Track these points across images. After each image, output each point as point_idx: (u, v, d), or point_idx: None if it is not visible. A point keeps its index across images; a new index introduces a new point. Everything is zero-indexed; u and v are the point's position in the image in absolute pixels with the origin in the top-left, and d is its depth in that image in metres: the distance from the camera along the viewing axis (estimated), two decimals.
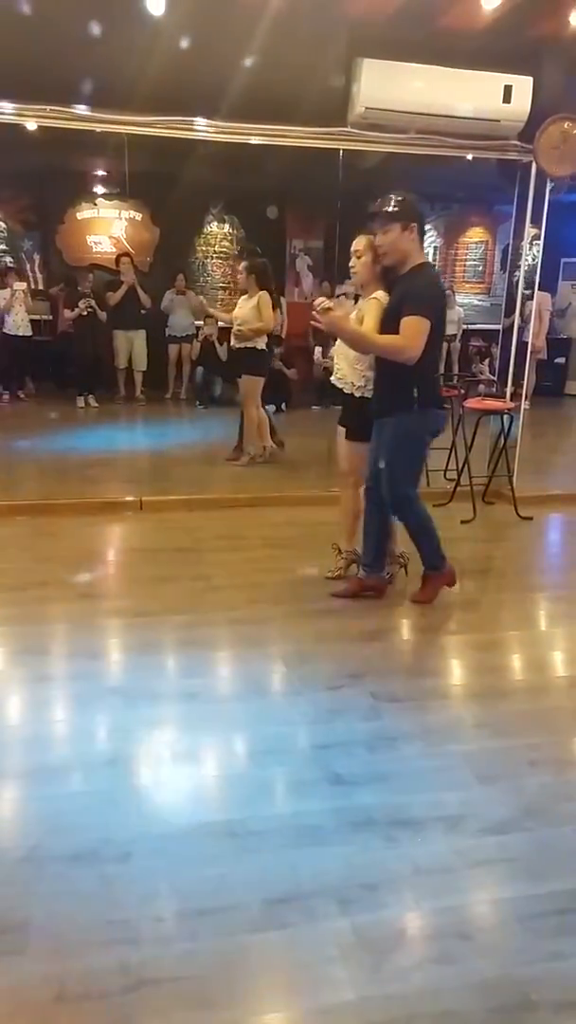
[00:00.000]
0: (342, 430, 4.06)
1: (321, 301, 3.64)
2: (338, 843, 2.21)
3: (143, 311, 9.49)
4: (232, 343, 6.60)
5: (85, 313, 9.11)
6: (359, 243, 3.76)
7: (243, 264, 6.45)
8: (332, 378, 3.99)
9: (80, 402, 9.31)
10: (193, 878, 2.07)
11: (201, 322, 9.97)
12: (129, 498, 5.49)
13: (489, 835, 2.27)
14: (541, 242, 5.76)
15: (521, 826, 2.31)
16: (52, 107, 4.74)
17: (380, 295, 3.67)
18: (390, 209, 3.53)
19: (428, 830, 2.27)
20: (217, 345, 9.78)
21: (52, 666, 3.28)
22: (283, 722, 2.85)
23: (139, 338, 9.56)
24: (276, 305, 6.48)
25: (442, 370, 10.50)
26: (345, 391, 3.89)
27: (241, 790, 2.46)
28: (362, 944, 1.88)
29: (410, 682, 3.17)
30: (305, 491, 5.84)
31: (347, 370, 3.86)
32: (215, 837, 2.22)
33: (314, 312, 3.61)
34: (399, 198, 3.57)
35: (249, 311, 6.21)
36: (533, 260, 5.81)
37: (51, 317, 10.22)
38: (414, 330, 3.44)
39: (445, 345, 11.00)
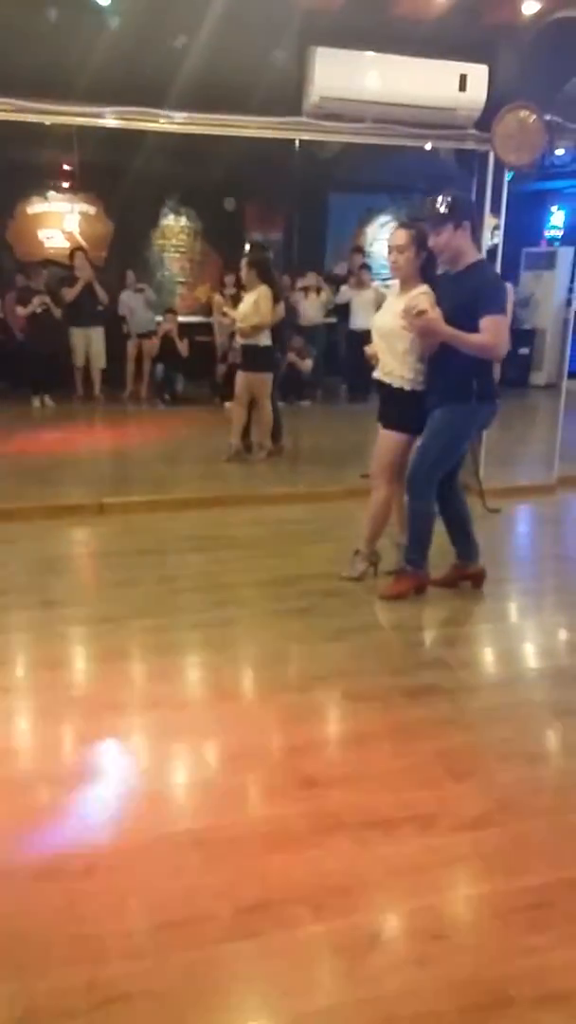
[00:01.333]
0: (384, 430, 3.94)
1: (415, 305, 3.58)
2: (309, 847, 2.18)
3: (100, 307, 9.34)
4: (237, 340, 6.58)
5: (39, 311, 8.91)
6: (400, 238, 3.73)
7: (244, 258, 6.38)
8: (376, 374, 3.92)
9: (35, 402, 9.10)
10: (161, 890, 2.02)
11: (160, 317, 9.84)
12: (89, 501, 5.38)
13: (461, 832, 2.25)
14: (501, 232, 5.76)
15: (494, 821, 2.30)
16: None
17: (426, 289, 3.66)
18: (441, 210, 3.58)
19: (400, 830, 2.24)
20: (177, 341, 9.67)
21: (12, 676, 3.20)
22: (251, 726, 2.81)
23: (97, 335, 9.39)
24: (279, 299, 6.36)
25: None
26: (394, 385, 3.82)
27: (209, 797, 2.41)
28: (335, 949, 1.85)
29: (379, 681, 3.15)
30: (271, 489, 5.80)
31: (394, 364, 3.80)
32: (183, 847, 2.17)
33: (403, 316, 3.60)
34: (448, 198, 3.61)
35: (249, 306, 6.14)
36: (494, 250, 5.82)
37: (2, 315, 9.98)
38: (501, 328, 3.57)
39: None
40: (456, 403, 3.68)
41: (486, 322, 3.51)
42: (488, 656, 3.51)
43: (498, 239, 5.79)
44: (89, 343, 9.37)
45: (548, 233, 12.62)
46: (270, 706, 2.94)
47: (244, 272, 6.29)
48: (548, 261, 11.68)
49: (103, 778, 2.52)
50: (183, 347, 9.69)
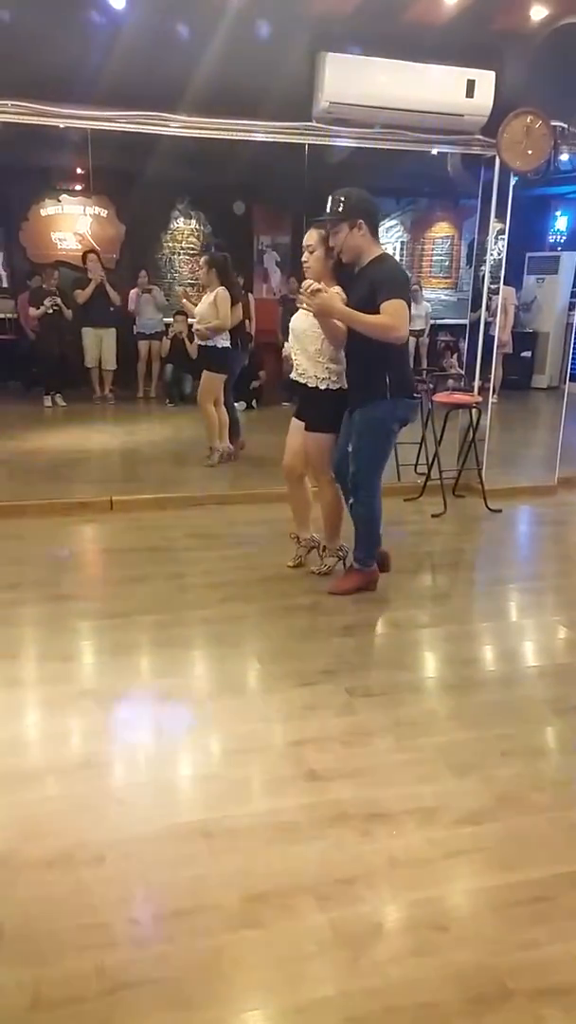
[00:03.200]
0: (299, 423, 4.03)
1: (309, 283, 3.62)
2: (313, 839, 2.22)
3: (112, 308, 9.40)
4: (195, 340, 6.54)
5: (50, 311, 8.99)
6: (310, 237, 3.77)
7: (204, 258, 6.35)
8: (292, 375, 3.99)
9: (47, 401, 9.20)
10: (168, 879, 2.06)
11: (171, 319, 9.90)
12: (99, 498, 5.44)
13: (463, 826, 2.28)
14: (506, 237, 5.80)
15: (495, 816, 2.33)
16: (14, 102, 4.67)
17: (337, 290, 3.67)
18: (336, 209, 3.58)
19: (403, 823, 2.28)
20: (187, 342, 9.72)
21: (23, 670, 3.24)
22: (257, 720, 2.85)
23: (108, 336, 9.45)
24: (238, 300, 6.32)
25: (411, 364, 10.56)
26: (309, 385, 3.88)
27: (215, 789, 2.45)
28: (339, 939, 1.88)
29: (383, 676, 3.19)
30: (277, 488, 5.82)
31: (307, 364, 3.86)
32: (190, 837, 2.21)
33: (302, 295, 3.61)
34: (341, 197, 3.60)
35: (207, 307, 6.11)
36: (498, 255, 5.85)
37: (15, 315, 10.07)
38: (398, 310, 3.49)
39: (413, 340, 11.06)
40: (372, 400, 3.70)
41: (385, 305, 3.49)
42: (490, 653, 3.54)
43: (503, 243, 5.82)
44: (101, 344, 9.44)
45: (552, 238, 12.64)
46: (276, 700, 2.98)
47: (203, 272, 6.23)
48: (551, 265, 11.71)
49: (112, 769, 2.57)
50: (192, 349, 9.73)
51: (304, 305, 3.62)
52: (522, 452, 7.48)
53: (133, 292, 9.86)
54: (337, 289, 3.66)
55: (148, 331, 9.97)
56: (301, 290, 3.63)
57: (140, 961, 1.81)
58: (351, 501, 3.91)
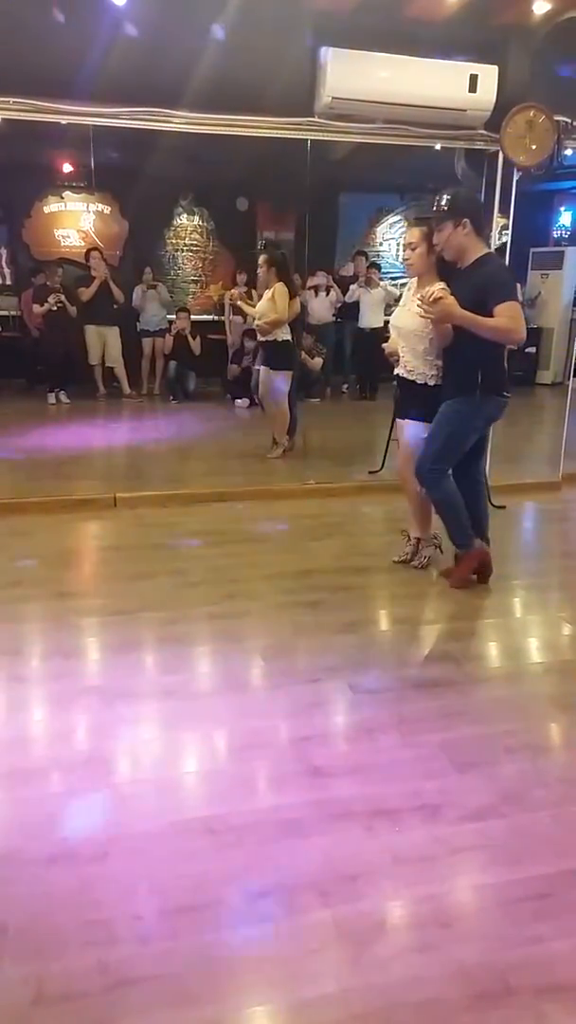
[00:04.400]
0: (408, 422, 4.11)
1: (430, 291, 3.64)
2: (317, 835, 2.21)
3: (115, 306, 9.40)
4: (258, 337, 6.67)
5: (54, 308, 9.00)
6: (413, 235, 3.88)
7: (262, 256, 6.44)
8: (400, 371, 4.06)
9: (51, 399, 9.21)
10: (172, 876, 2.06)
11: (173, 316, 9.90)
12: (103, 495, 5.44)
13: (467, 822, 2.28)
14: (510, 232, 5.77)
15: (498, 812, 2.33)
16: (15, 99, 4.67)
17: (442, 285, 3.70)
18: (442, 207, 3.67)
19: (407, 819, 2.28)
20: (190, 339, 9.72)
21: (27, 666, 3.25)
22: (261, 716, 2.85)
23: (112, 334, 9.46)
24: (295, 295, 6.43)
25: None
26: (418, 382, 3.97)
27: (219, 785, 2.45)
28: (343, 935, 1.88)
29: (387, 673, 3.18)
30: (282, 485, 5.84)
31: (416, 362, 3.96)
32: (193, 834, 2.21)
33: (419, 303, 3.67)
34: (448, 195, 3.69)
35: (266, 303, 6.22)
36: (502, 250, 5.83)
37: (19, 313, 10.08)
38: (516, 312, 3.60)
39: None
40: (462, 395, 3.75)
41: (500, 308, 3.57)
42: (494, 650, 3.54)
43: (506, 239, 5.80)
44: (104, 341, 9.44)
45: (556, 233, 12.60)
46: (280, 697, 2.98)
47: (263, 270, 6.35)
48: (556, 261, 11.67)
49: (116, 765, 2.57)
50: (196, 345, 9.74)
51: (423, 311, 3.66)
52: (526, 448, 7.46)
53: (137, 289, 9.87)
54: (441, 285, 3.70)
55: (151, 328, 9.98)
56: (421, 296, 3.67)
57: (143, 957, 1.81)
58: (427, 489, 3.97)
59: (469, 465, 4.03)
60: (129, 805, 2.35)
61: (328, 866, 2.09)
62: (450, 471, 3.92)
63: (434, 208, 3.73)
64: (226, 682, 3.11)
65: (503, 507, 5.50)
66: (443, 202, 3.67)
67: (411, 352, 3.97)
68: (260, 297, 6.60)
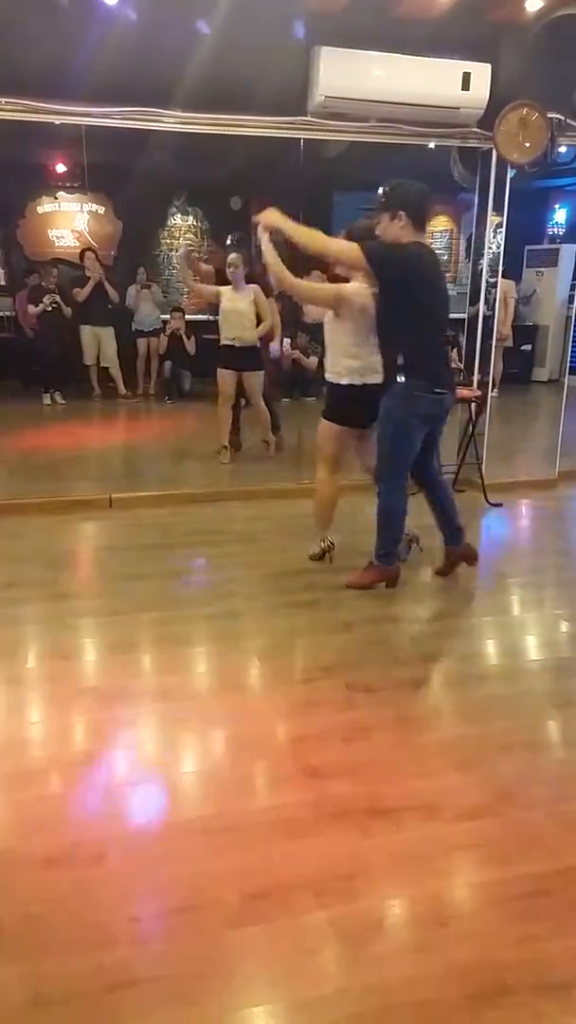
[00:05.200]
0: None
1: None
2: (314, 835, 2.22)
3: (110, 306, 9.39)
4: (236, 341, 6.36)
5: (49, 309, 8.99)
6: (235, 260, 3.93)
7: (234, 255, 6.14)
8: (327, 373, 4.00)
9: (46, 399, 9.20)
10: (169, 877, 2.06)
11: (168, 316, 9.88)
12: (98, 496, 5.43)
13: (464, 821, 2.28)
14: (503, 230, 5.78)
15: (495, 811, 2.33)
16: (7, 99, 4.65)
17: (317, 274, 3.76)
18: (379, 199, 3.63)
19: (403, 819, 2.28)
20: (185, 339, 9.70)
21: (23, 667, 3.24)
22: (257, 716, 2.85)
23: (107, 334, 9.44)
24: (270, 293, 6.31)
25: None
26: (331, 380, 3.95)
27: (216, 786, 2.45)
28: (340, 935, 1.88)
29: (383, 672, 3.18)
30: (276, 484, 5.83)
31: (334, 359, 3.92)
32: (190, 835, 2.21)
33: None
34: (387, 187, 3.64)
35: (248, 307, 6.11)
36: (497, 248, 5.84)
37: (14, 313, 10.07)
38: (345, 245, 3.61)
39: None
40: (390, 389, 3.70)
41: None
42: (490, 648, 3.54)
43: (501, 237, 5.80)
44: (100, 342, 9.43)
45: (551, 230, 12.61)
46: (276, 697, 2.98)
47: (233, 270, 6.10)
48: (550, 258, 11.69)
49: (112, 766, 2.57)
50: (191, 345, 9.72)
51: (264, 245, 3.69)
52: (522, 446, 7.46)
53: (131, 288, 9.85)
54: (318, 274, 3.71)
55: (146, 328, 9.96)
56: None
57: (140, 958, 1.81)
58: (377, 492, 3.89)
59: (424, 470, 3.98)
60: (126, 806, 2.35)
61: (325, 866, 2.10)
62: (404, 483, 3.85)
63: (376, 199, 3.69)
64: (222, 682, 3.11)
65: (500, 505, 5.51)
66: (380, 194, 3.64)
67: (330, 349, 3.97)
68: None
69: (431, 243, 12.14)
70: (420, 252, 3.60)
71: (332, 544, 4.26)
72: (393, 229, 3.60)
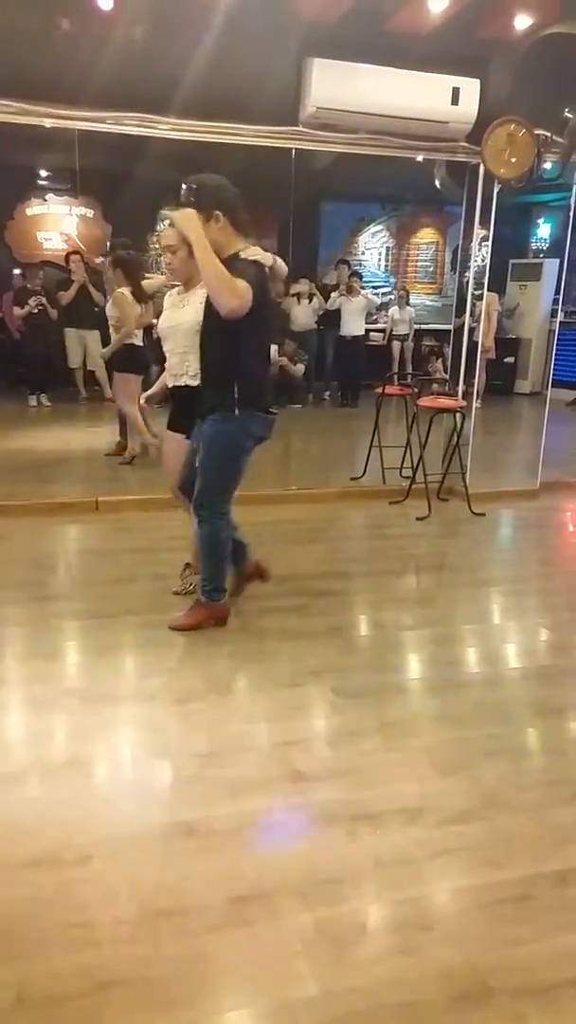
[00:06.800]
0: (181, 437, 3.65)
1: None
2: (299, 839, 2.23)
3: (96, 309, 9.37)
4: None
5: (35, 311, 8.97)
6: (169, 237, 3.36)
7: (107, 257, 6.08)
8: (183, 381, 3.55)
9: (32, 401, 9.17)
10: (154, 879, 2.06)
11: (154, 320, 9.87)
12: (84, 499, 5.42)
13: (449, 825, 2.30)
14: (489, 243, 5.85)
15: (479, 816, 2.35)
16: (1, 101, 4.66)
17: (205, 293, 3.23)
18: (188, 199, 3.10)
19: (388, 823, 2.29)
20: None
21: (7, 669, 3.23)
22: (243, 720, 2.86)
23: (92, 338, 9.41)
24: (144, 298, 6.02)
25: (395, 369, 10.62)
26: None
27: (201, 789, 2.45)
28: (324, 938, 1.89)
29: (368, 677, 3.20)
30: (264, 490, 5.84)
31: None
32: (175, 838, 2.21)
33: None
34: (192, 185, 3.11)
35: (112, 307, 6.10)
36: (482, 261, 5.91)
37: (0, 315, 10.03)
38: (244, 292, 3.04)
39: (397, 344, 11.12)
40: (220, 411, 3.27)
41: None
42: (474, 655, 3.57)
43: (486, 250, 5.88)
44: (85, 345, 9.40)
45: (534, 245, 12.78)
46: (261, 701, 2.99)
47: (108, 272, 6.01)
48: (534, 272, 11.85)
49: (97, 769, 2.56)
50: None
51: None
52: (505, 456, 7.54)
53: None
54: (205, 292, 3.21)
55: None
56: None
57: (125, 960, 1.81)
58: (198, 521, 3.43)
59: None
60: (111, 808, 2.35)
61: (310, 869, 2.11)
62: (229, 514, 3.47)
63: (181, 199, 3.14)
64: (208, 686, 3.11)
65: (483, 514, 5.56)
66: (189, 193, 3.10)
67: (193, 353, 3.43)
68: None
69: (416, 255, 12.38)
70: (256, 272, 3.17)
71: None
72: (212, 233, 3.10)
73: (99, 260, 5.90)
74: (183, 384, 3.53)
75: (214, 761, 2.61)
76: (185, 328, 3.43)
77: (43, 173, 10.21)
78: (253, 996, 1.76)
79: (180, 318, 3.47)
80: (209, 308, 3.21)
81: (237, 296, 3.04)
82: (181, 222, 3.12)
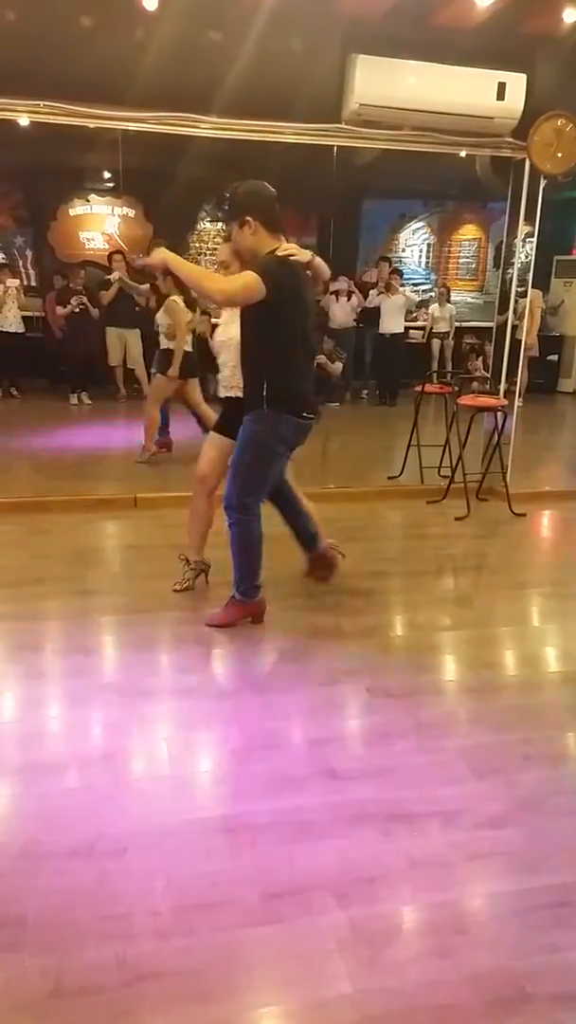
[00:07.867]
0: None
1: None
2: (334, 837, 2.22)
3: (137, 308, 9.47)
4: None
5: (77, 310, 9.10)
6: (222, 254, 3.54)
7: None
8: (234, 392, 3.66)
9: (73, 399, 9.31)
10: (189, 873, 2.08)
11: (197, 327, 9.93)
12: (123, 495, 5.48)
13: (484, 829, 2.28)
14: (535, 240, 5.77)
15: (516, 820, 2.32)
16: (45, 102, 4.72)
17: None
18: (225, 210, 3.36)
19: (424, 824, 2.28)
20: (210, 341, 9.74)
21: (48, 662, 3.28)
22: (279, 717, 2.86)
23: (133, 336, 9.51)
24: (194, 305, 6.14)
25: (435, 367, 10.53)
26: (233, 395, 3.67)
27: (236, 785, 2.47)
28: (359, 937, 1.88)
29: (405, 677, 3.18)
30: (302, 488, 5.83)
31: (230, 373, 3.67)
32: (211, 832, 2.22)
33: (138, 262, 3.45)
34: (228, 193, 3.30)
35: (162, 314, 6.11)
36: (526, 258, 5.83)
37: (43, 314, 10.19)
38: (241, 279, 3.12)
39: (437, 342, 11.02)
40: (252, 411, 3.34)
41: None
42: (512, 658, 3.53)
43: (531, 246, 5.79)
44: (125, 343, 9.50)
45: None
46: (297, 698, 2.99)
47: (161, 280, 5.99)
48: None
49: (134, 762, 2.59)
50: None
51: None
52: (547, 456, 7.43)
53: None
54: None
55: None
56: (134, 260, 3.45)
57: (160, 953, 1.82)
58: (228, 521, 3.47)
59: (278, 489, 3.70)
60: (147, 802, 2.37)
61: (344, 868, 2.10)
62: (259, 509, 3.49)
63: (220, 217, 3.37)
64: (244, 683, 3.13)
65: (523, 515, 5.49)
66: (225, 203, 3.30)
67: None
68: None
69: (458, 252, 12.25)
70: (283, 267, 3.22)
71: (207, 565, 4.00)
72: (246, 239, 3.25)
73: (136, 260, 5.87)
74: (232, 395, 3.63)
75: (249, 757, 2.62)
76: (236, 342, 3.51)
77: (86, 173, 10.33)
78: (287, 992, 1.76)
79: (232, 332, 3.55)
80: (244, 313, 3.32)
81: (216, 283, 3.20)
82: (155, 260, 3.28)
